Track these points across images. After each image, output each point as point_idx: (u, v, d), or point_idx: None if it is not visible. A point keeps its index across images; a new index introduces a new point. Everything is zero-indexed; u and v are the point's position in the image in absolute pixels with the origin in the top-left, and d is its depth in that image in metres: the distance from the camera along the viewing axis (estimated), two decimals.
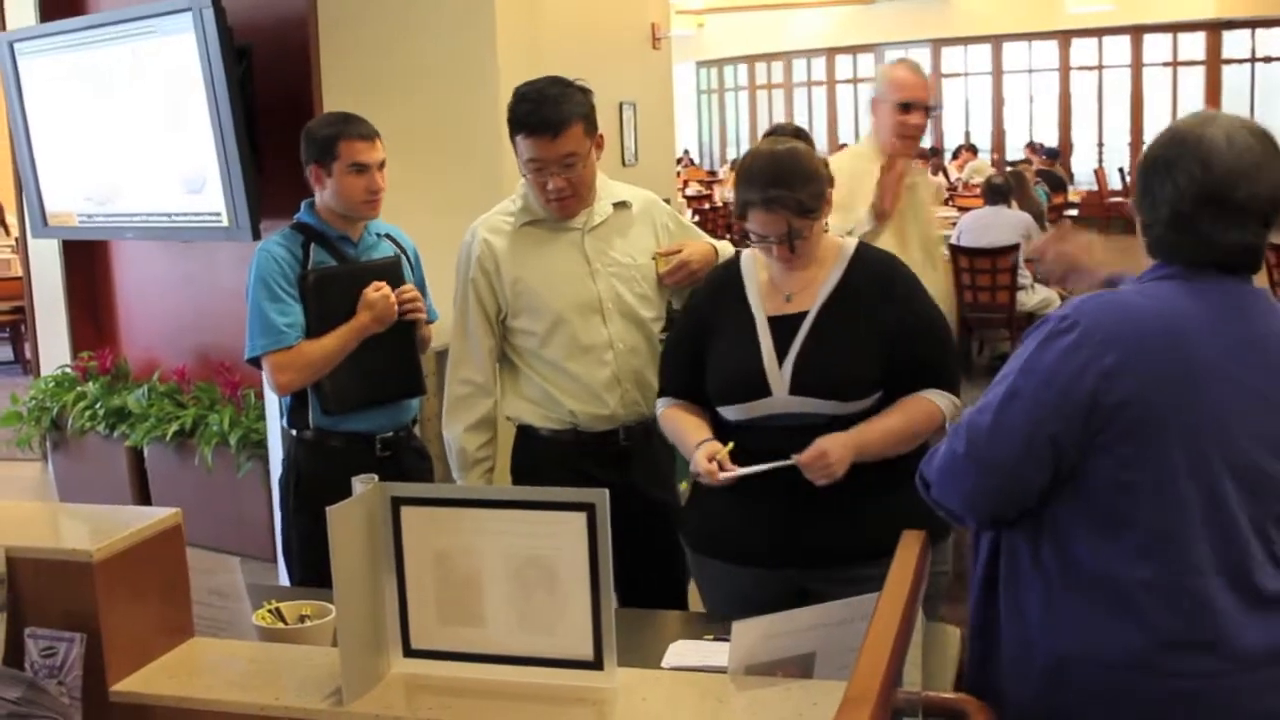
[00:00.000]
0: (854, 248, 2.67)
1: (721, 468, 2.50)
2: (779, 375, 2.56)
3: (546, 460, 3.03)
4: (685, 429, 2.67)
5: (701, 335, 2.70)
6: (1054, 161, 16.78)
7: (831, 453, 2.46)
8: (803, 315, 2.59)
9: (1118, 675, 1.89)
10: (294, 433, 3.34)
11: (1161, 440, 1.86)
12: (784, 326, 2.60)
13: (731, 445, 2.55)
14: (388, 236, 3.43)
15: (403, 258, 3.40)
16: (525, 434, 3.09)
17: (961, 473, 1.98)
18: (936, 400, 2.59)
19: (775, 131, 2.81)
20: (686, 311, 2.87)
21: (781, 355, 2.57)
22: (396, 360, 3.29)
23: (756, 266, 2.69)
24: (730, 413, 2.62)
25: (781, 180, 2.52)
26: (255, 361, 3.25)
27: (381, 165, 3.27)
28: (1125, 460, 1.87)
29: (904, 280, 2.68)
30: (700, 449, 2.56)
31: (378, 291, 3.20)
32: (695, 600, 3.14)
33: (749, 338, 2.61)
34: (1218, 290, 1.93)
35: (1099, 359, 1.86)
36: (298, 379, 3.22)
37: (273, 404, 4.57)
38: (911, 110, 3.76)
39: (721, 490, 2.55)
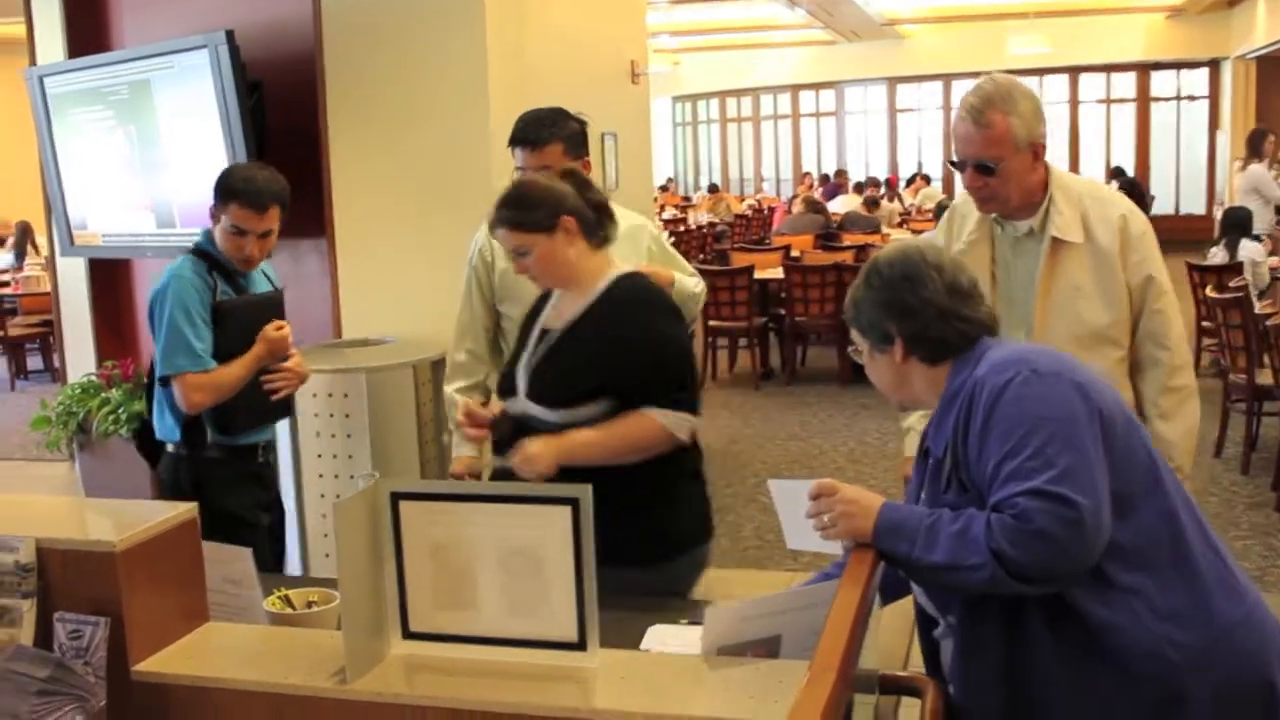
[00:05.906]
0: (615, 276, 2.66)
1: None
2: (523, 380, 2.65)
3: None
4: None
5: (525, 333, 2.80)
6: None
7: (530, 449, 2.48)
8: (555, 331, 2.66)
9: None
10: (187, 451, 3.27)
11: (1129, 437, 1.94)
12: (545, 339, 2.67)
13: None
14: (263, 271, 3.44)
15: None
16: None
17: (1070, 535, 1.77)
18: (657, 417, 2.54)
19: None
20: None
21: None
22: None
23: None
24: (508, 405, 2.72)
25: (506, 204, 2.62)
26: (165, 380, 3.20)
27: (265, 235, 3.22)
28: (1118, 466, 1.88)
29: (649, 305, 2.66)
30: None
31: (279, 331, 3.25)
32: None
33: (526, 343, 2.72)
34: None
35: (1067, 379, 1.92)
36: (208, 400, 3.20)
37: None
38: None
39: None
